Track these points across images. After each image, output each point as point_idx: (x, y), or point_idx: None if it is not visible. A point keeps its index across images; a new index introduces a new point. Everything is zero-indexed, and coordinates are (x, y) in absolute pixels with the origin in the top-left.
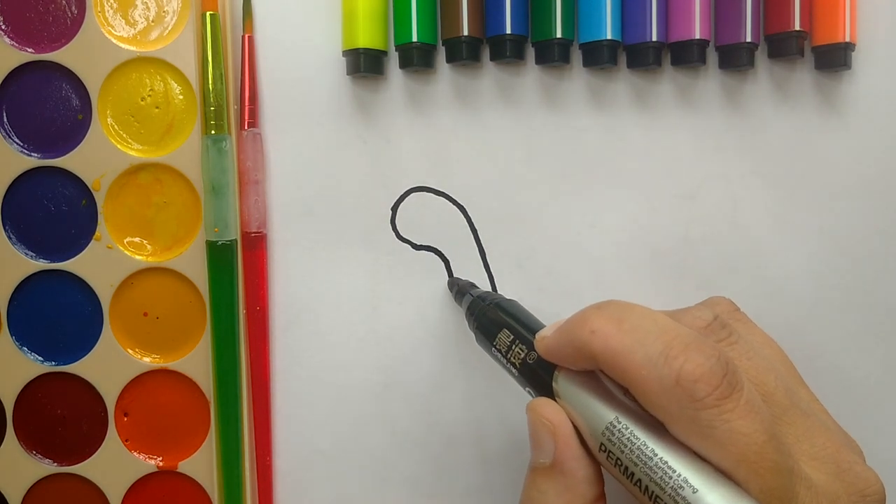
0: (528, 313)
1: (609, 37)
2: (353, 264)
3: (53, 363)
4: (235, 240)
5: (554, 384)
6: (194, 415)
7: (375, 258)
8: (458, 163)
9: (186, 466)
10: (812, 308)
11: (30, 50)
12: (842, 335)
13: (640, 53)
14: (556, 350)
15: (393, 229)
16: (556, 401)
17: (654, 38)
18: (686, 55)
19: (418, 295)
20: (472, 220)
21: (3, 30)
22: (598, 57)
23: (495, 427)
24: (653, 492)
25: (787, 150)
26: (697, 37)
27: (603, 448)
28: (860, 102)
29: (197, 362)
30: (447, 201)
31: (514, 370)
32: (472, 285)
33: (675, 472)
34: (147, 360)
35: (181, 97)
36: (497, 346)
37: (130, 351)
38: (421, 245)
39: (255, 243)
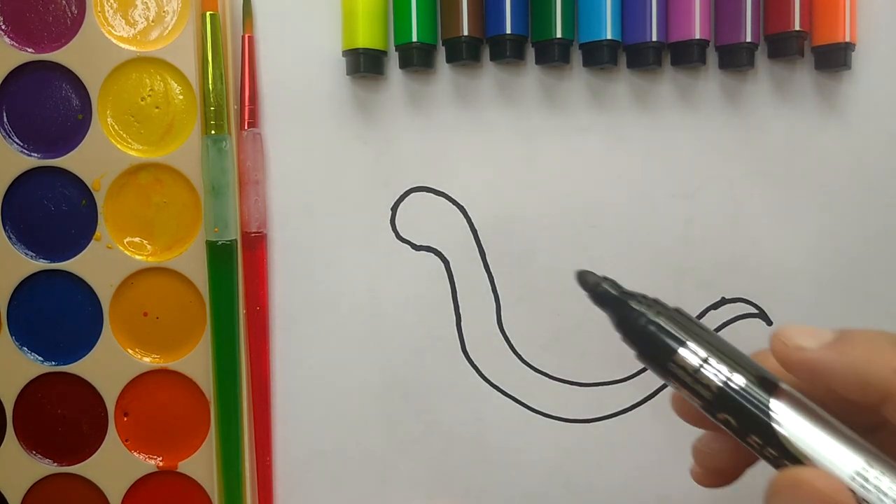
0: (703, 325)
1: (609, 37)
2: (353, 264)
3: (53, 363)
4: (235, 240)
5: (771, 412)
6: (194, 415)
7: (375, 258)
8: (458, 163)
9: (186, 466)
10: (811, 307)
11: (30, 50)
12: None
13: (640, 53)
14: (826, 371)
15: (393, 229)
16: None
17: (654, 38)
18: (686, 55)
19: (418, 295)
20: (472, 220)
21: (3, 30)
22: (598, 57)
23: (495, 427)
24: None
25: (787, 150)
26: (697, 37)
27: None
28: (860, 102)
29: (197, 362)
30: (447, 201)
31: (704, 391)
32: (615, 284)
33: None
34: (147, 360)
35: (181, 97)
36: (676, 363)
37: (130, 351)
38: (421, 245)
39: (255, 243)
